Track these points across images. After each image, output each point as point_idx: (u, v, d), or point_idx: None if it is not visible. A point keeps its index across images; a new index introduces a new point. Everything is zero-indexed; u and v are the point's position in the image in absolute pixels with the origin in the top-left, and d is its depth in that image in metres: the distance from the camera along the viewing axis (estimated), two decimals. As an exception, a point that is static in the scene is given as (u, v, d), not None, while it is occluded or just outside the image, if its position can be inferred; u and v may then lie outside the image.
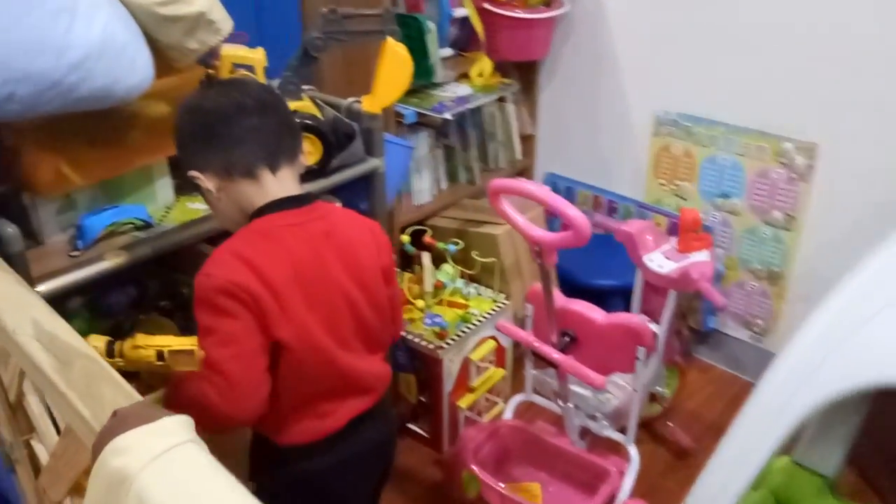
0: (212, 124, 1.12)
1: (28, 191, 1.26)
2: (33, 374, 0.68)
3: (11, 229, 1.12)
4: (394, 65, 1.51)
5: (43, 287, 1.18)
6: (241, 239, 1.11)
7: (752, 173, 2.18)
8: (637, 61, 2.30)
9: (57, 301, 1.29)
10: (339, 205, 1.62)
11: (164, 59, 1.32)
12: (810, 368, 1.04)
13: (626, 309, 2.17)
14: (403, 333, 1.94)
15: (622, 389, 1.80)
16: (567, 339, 1.61)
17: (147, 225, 1.39)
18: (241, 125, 1.12)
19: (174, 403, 1.13)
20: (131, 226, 1.38)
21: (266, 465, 1.24)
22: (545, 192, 1.32)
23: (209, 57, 1.41)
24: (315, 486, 1.23)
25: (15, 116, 1.11)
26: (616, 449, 1.78)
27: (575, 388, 1.73)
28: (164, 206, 1.47)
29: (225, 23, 1.32)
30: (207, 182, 1.13)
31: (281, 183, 1.15)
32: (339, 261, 1.16)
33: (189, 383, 1.10)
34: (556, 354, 1.55)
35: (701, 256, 1.80)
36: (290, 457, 1.20)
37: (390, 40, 1.49)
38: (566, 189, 2.57)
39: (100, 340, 1.29)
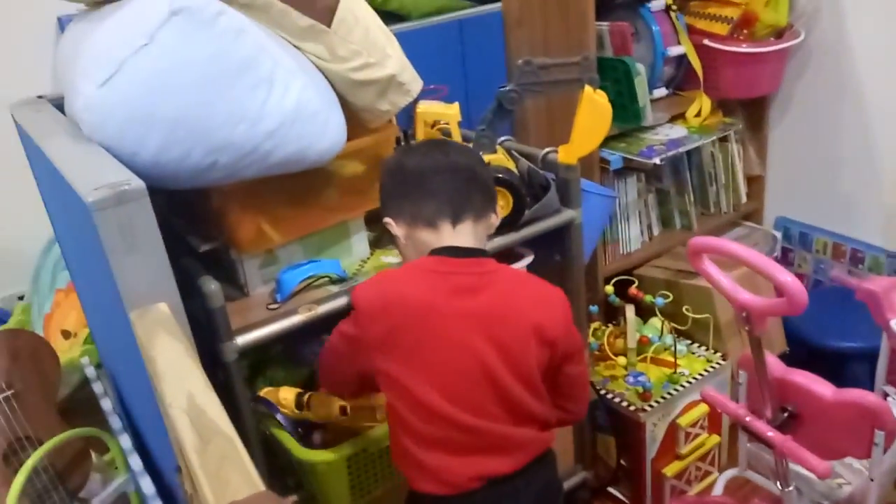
0: (407, 180, 1.22)
1: (234, 247, 1.36)
2: (180, 449, 0.71)
3: (214, 286, 1.21)
4: (592, 113, 1.44)
5: (241, 339, 1.26)
6: (399, 271, 1.21)
7: None
8: (887, 91, 1.99)
9: (259, 349, 1.40)
10: (530, 258, 1.57)
11: (357, 120, 1.38)
12: None
13: (871, 375, 1.88)
14: (603, 391, 1.83)
15: (857, 474, 1.54)
16: (785, 414, 1.40)
17: (341, 279, 1.44)
18: (432, 182, 1.20)
19: None
20: (327, 279, 1.44)
21: None
22: (752, 254, 1.17)
23: (405, 115, 1.45)
24: None
25: (218, 182, 1.21)
26: (851, 545, 1.51)
27: (799, 469, 1.50)
28: (359, 259, 1.52)
29: (414, 84, 1.35)
30: (396, 229, 1.23)
31: (457, 235, 1.20)
32: (478, 322, 1.13)
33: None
34: (770, 433, 1.36)
35: (966, 324, 1.50)
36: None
37: (588, 88, 1.43)
38: (800, 235, 2.30)
39: (291, 392, 1.36)
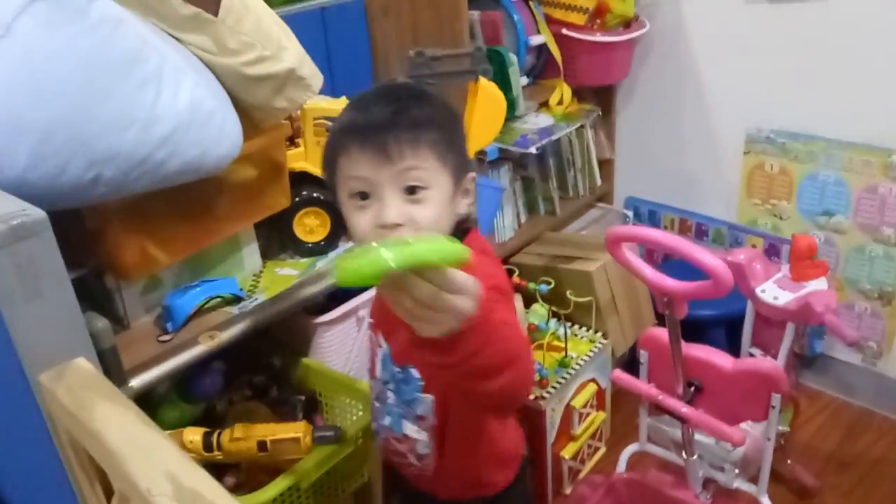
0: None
1: (112, 273, 1.17)
2: None
3: (101, 324, 1.02)
4: (489, 106, 1.40)
5: (136, 382, 1.09)
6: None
7: (858, 189, 2.01)
8: (724, 77, 2.15)
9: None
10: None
11: (250, 119, 1.23)
12: None
13: (729, 340, 2.03)
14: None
15: (748, 435, 1.65)
16: (692, 388, 1.47)
17: (237, 298, 1.29)
18: None
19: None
20: (220, 300, 1.29)
21: None
22: (673, 239, 1.19)
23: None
24: None
25: (100, 200, 1.03)
26: (738, 498, 1.62)
27: (699, 437, 1.58)
28: (251, 274, 1.38)
29: (315, 78, 1.23)
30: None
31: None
32: None
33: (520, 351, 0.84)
34: (684, 409, 1.41)
35: (819, 285, 1.65)
36: None
37: (483, 80, 1.38)
38: (649, 212, 2.43)
39: (196, 433, 1.20)
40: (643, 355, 1.55)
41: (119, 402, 0.69)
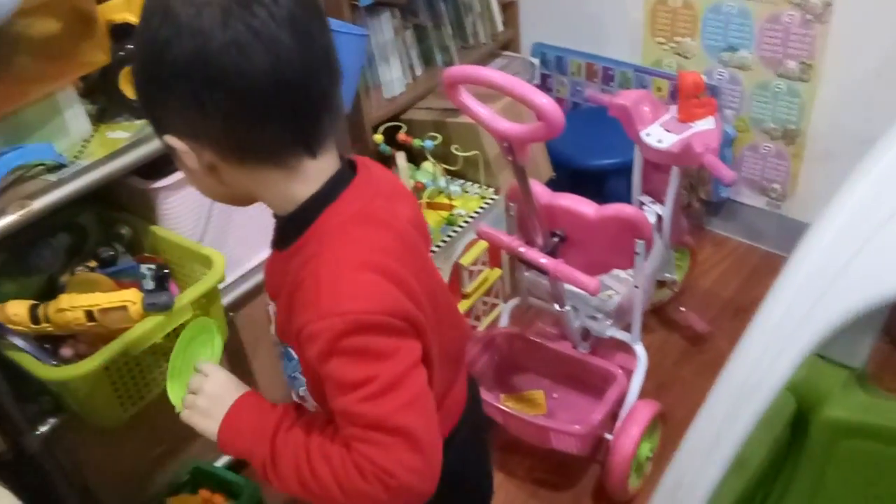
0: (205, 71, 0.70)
1: None
2: None
3: None
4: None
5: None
6: (355, 247, 0.75)
7: (761, 20, 1.91)
8: None
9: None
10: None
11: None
12: (830, 277, 0.85)
13: (630, 189, 1.99)
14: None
15: (624, 283, 1.65)
16: (556, 239, 1.43)
17: (59, 165, 1.21)
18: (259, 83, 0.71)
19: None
20: (42, 168, 1.21)
21: None
22: (507, 79, 1.11)
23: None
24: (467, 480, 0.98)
25: None
26: (623, 346, 1.64)
27: (571, 288, 1.57)
28: (80, 139, 1.29)
29: None
30: (193, 160, 0.74)
31: (328, 162, 0.78)
32: (414, 216, 0.87)
33: (341, 468, 0.71)
34: (543, 259, 1.39)
35: (705, 125, 1.60)
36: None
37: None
38: (556, 59, 2.32)
39: (22, 306, 1.15)
40: (512, 207, 1.50)
41: None
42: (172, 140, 0.73)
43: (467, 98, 1.21)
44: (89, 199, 1.28)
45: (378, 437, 0.69)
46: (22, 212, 1.12)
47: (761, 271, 2.16)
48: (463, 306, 1.86)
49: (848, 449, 1.24)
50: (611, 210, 1.39)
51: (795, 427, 1.28)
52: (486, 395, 1.54)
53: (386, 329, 0.71)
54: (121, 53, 1.27)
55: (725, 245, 2.28)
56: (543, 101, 1.07)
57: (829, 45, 1.84)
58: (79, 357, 1.23)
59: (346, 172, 0.79)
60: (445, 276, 1.80)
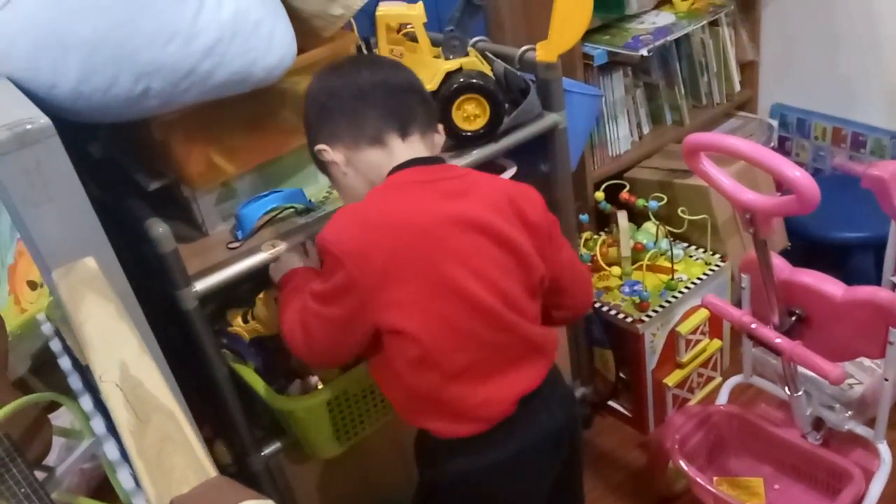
0: (339, 99, 1.07)
1: (185, 183, 1.23)
2: (117, 429, 0.61)
3: (162, 228, 1.09)
4: (570, 3, 1.29)
5: (200, 285, 1.15)
6: (369, 198, 1.04)
7: None
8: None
9: (226, 291, 1.29)
10: (513, 170, 1.45)
11: (309, 29, 1.22)
12: None
13: (876, 267, 1.79)
14: (598, 304, 1.74)
15: (869, 373, 1.47)
16: (794, 318, 1.32)
17: (307, 209, 1.32)
18: (369, 97, 1.06)
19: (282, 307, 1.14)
20: (292, 210, 1.32)
21: (428, 461, 1.13)
22: (755, 148, 1.05)
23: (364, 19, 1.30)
24: (483, 488, 1.08)
25: (155, 111, 1.08)
26: (859, 443, 1.46)
27: (807, 372, 1.43)
28: (326, 185, 1.39)
29: (369, -19, 1.19)
30: (333, 154, 1.08)
31: (411, 148, 1.07)
32: (477, 223, 1.01)
33: (289, 308, 1.10)
34: (778, 339, 1.28)
35: (982, 207, 1.40)
36: (450, 453, 1.07)
37: (565, -24, 1.27)
38: (797, 121, 2.17)
39: (237, 315, 1.28)
40: (744, 280, 1.41)
41: (105, 297, 0.74)
42: (321, 146, 1.07)
43: (709, 166, 1.16)
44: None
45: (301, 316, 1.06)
46: (274, 251, 1.22)
47: None
48: (676, 377, 1.77)
49: None
50: (863, 293, 1.25)
51: None
52: (696, 474, 1.44)
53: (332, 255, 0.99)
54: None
55: None
56: (797, 174, 0.99)
57: None
58: (305, 390, 1.32)
59: (438, 160, 1.09)
60: (660, 342, 1.72)
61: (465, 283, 0.98)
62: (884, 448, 1.41)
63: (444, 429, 1.05)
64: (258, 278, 1.31)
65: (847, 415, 1.45)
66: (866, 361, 1.48)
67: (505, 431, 1.04)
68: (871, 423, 1.43)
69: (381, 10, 1.38)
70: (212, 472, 0.58)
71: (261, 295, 1.27)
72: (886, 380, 1.35)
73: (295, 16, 1.17)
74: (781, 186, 1.10)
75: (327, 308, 1.02)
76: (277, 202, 1.29)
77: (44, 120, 0.78)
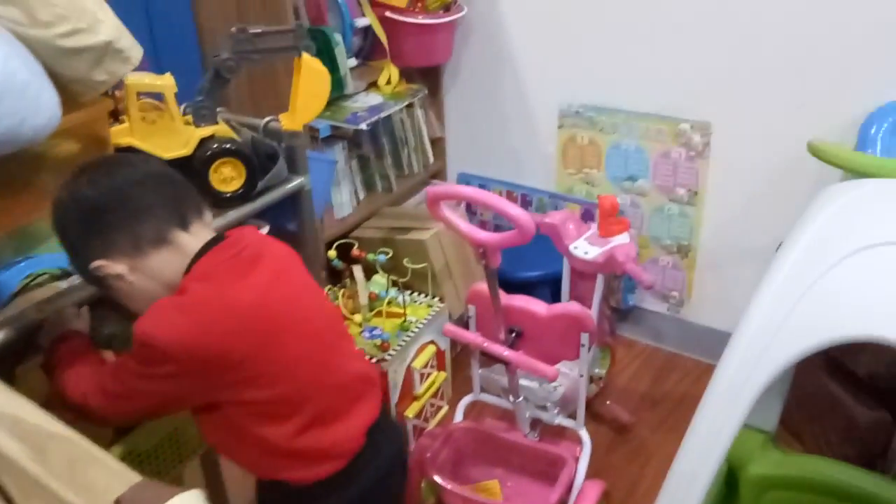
0: (102, 208, 1.06)
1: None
2: (7, 470, 0.61)
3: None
4: (312, 80, 1.48)
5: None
6: (186, 291, 1.04)
7: (654, 155, 2.27)
8: (536, 57, 2.35)
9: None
10: (266, 229, 1.57)
11: (69, 93, 1.24)
12: (770, 333, 1.09)
13: (555, 297, 2.22)
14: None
15: (566, 376, 1.84)
16: (514, 334, 1.62)
17: (66, 273, 1.29)
18: (136, 198, 1.07)
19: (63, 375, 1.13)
20: (47, 276, 1.28)
21: None
22: (484, 194, 1.33)
23: (113, 87, 1.34)
24: None
25: (-85, 170, 1.02)
26: (564, 435, 1.81)
27: (523, 381, 1.74)
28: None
29: (134, 50, 1.26)
30: (116, 267, 1.06)
31: (196, 236, 1.10)
32: (289, 279, 1.13)
33: (76, 370, 1.12)
34: (506, 352, 1.56)
35: (622, 239, 1.86)
36: (311, 498, 1.11)
37: (306, 56, 1.46)
38: (479, 186, 2.59)
39: None
40: (470, 309, 1.69)
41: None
42: (99, 263, 1.05)
43: (448, 212, 1.41)
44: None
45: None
46: (40, 315, 1.19)
47: (667, 369, 2.44)
48: (415, 408, 1.99)
49: (772, 500, 1.46)
50: (559, 308, 1.60)
51: (729, 485, 1.49)
52: (447, 484, 1.66)
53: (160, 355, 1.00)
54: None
55: (635, 346, 2.54)
56: (518, 212, 1.28)
57: (709, 176, 2.21)
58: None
59: (222, 237, 1.11)
60: (400, 378, 1.94)
61: (300, 340, 1.08)
62: (584, 433, 1.76)
63: (303, 475, 1.09)
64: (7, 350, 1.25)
65: (556, 412, 1.79)
66: (563, 368, 1.84)
67: (360, 463, 1.13)
68: (573, 416, 1.79)
69: (131, 79, 1.43)
70: (135, 476, 0.63)
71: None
72: (581, 376, 1.71)
73: (56, 80, 1.19)
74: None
75: (142, 383, 1.03)
76: (35, 267, 1.25)
77: None
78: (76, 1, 1.18)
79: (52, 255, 1.30)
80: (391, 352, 1.89)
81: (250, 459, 1.12)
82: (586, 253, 1.84)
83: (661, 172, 2.29)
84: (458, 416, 1.84)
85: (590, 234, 1.90)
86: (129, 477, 0.60)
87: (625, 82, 2.23)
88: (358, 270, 1.97)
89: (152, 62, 1.79)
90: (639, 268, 1.78)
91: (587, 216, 2.43)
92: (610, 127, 2.30)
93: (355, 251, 2.02)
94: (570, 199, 2.46)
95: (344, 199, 2.17)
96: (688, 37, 2.08)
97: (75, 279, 1.29)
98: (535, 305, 1.62)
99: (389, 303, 1.99)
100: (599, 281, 1.92)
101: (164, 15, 1.86)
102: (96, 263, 1.06)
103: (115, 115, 1.43)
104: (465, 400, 1.85)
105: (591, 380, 2.19)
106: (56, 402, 1.10)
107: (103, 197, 1.06)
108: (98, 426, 1.25)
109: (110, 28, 1.21)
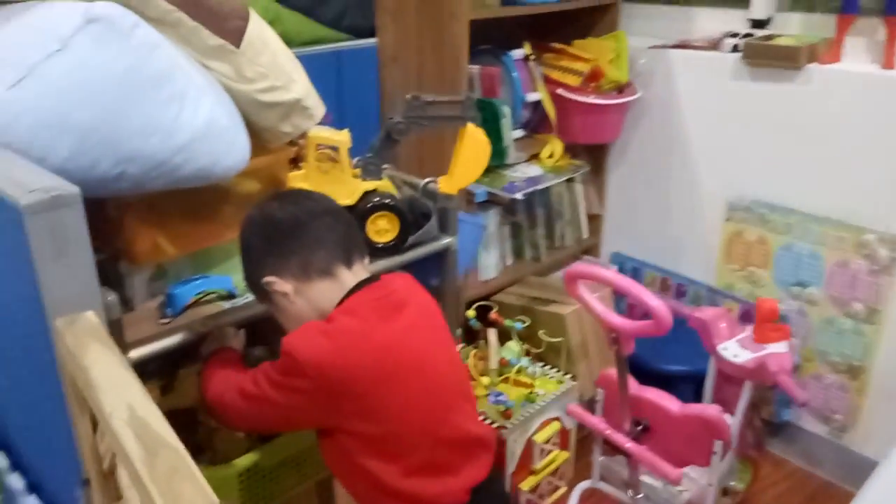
0: (286, 232, 1.19)
1: (126, 259, 1.32)
2: (123, 460, 0.70)
3: (112, 297, 1.16)
4: (473, 149, 1.55)
5: (134, 353, 1.22)
6: (334, 318, 1.16)
7: (831, 263, 2.13)
8: (710, 146, 2.30)
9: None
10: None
11: (258, 139, 1.39)
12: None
13: (697, 396, 2.12)
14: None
15: (693, 482, 1.75)
16: (640, 427, 1.58)
17: (231, 295, 1.43)
18: (315, 229, 1.20)
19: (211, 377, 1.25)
20: (215, 295, 1.42)
21: None
22: (625, 281, 1.32)
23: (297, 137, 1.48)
24: None
25: (122, 192, 1.18)
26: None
27: (645, 478, 1.68)
28: (248, 276, 1.52)
29: (318, 109, 1.39)
30: (283, 285, 1.18)
31: (355, 275, 1.22)
32: (426, 330, 1.20)
33: (217, 376, 1.23)
34: (628, 444, 1.52)
35: (779, 348, 1.76)
36: None
37: (470, 126, 1.54)
38: (633, 269, 2.56)
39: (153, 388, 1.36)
40: (599, 393, 1.66)
41: (108, 348, 0.83)
42: (270, 279, 1.17)
43: (584, 292, 1.42)
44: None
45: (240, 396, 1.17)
46: (203, 329, 1.32)
47: (819, 499, 2.20)
48: (530, 482, 1.97)
49: None
50: (694, 409, 1.54)
51: None
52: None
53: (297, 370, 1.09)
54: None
55: (784, 467, 2.34)
56: (657, 303, 1.27)
57: (894, 294, 2.02)
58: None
59: (375, 277, 1.22)
60: (519, 449, 1.93)
61: (420, 390, 1.14)
62: (707, 544, 1.67)
63: None
64: (175, 354, 1.39)
65: (676, 516, 1.71)
66: (691, 473, 1.76)
67: None
68: (695, 523, 1.70)
69: (314, 131, 1.57)
70: (216, 498, 0.70)
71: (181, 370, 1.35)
72: (710, 485, 1.63)
73: (249, 127, 1.34)
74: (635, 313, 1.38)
75: (275, 392, 1.13)
76: (207, 286, 1.40)
77: (73, 188, 0.90)
78: (277, 62, 1.34)
79: (223, 277, 1.45)
80: (513, 421, 1.89)
81: (357, 489, 1.19)
82: (736, 356, 1.76)
83: (836, 282, 2.13)
84: (573, 501, 1.80)
85: (743, 336, 1.82)
86: (211, 498, 0.66)
87: (803, 181, 2.12)
88: (493, 334, 2.00)
89: (337, 117, 1.97)
90: (793, 381, 1.68)
91: (746, 317, 2.31)
92: (783, 226, 2.20)
93: (493, 314, 2.06)
94: (728, 295, 2.36)
95: (490, 262, 2.23)
96: (879, 140, 1.96)
97: (238, 301, 1.43)
98: (666, 401, 1.58)
99: (519, 371, 2.00)
100: (747, 388, 1.83)
101: (353, 79, 2.04)
102: (269, 278, 1.19)
103: (295, 162, 1.58)
104: (583, 485, 1.81)
105: (726, 492, 2.05)
106: (204, 405, 1.25)
107: (288, 221, 1.19)
108: (226, 427, 1.33)
109: (301, 88, 1.36)
